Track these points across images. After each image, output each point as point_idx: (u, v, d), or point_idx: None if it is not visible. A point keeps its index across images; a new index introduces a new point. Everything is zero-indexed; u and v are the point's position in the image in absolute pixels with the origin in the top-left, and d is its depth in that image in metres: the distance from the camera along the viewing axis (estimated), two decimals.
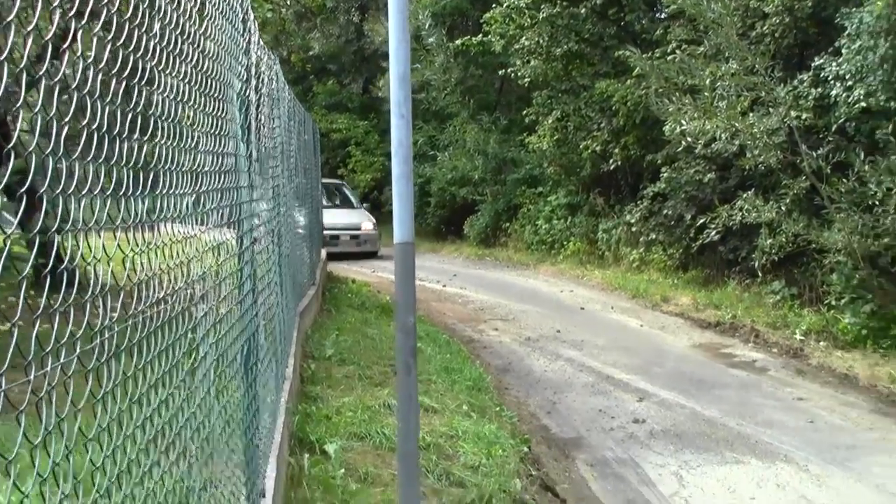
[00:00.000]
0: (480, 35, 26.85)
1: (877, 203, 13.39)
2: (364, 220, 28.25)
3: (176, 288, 3.10)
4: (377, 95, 37.32)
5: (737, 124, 14.95)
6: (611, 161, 22.49)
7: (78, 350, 2.12)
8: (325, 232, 23.69)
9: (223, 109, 4.22)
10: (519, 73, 24.13)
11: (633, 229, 21.47)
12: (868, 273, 13.76)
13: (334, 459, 6.49)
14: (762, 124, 14.73)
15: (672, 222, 20.01)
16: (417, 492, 4.41)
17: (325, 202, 27.29)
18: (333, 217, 26.41)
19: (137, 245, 2.65)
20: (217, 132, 4.04)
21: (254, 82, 5.71)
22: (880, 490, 8.20)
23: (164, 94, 3.10)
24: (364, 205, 30.71)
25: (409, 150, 4.45)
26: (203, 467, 3.49)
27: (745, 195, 15.58)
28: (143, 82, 2.78)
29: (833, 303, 14.46)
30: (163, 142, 3.07)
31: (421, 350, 11.84)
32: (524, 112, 25.95)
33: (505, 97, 31.62)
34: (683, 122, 15.83)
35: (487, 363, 13.08)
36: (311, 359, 10.41)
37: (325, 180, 30.18)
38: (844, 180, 13.85)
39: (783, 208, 14.87)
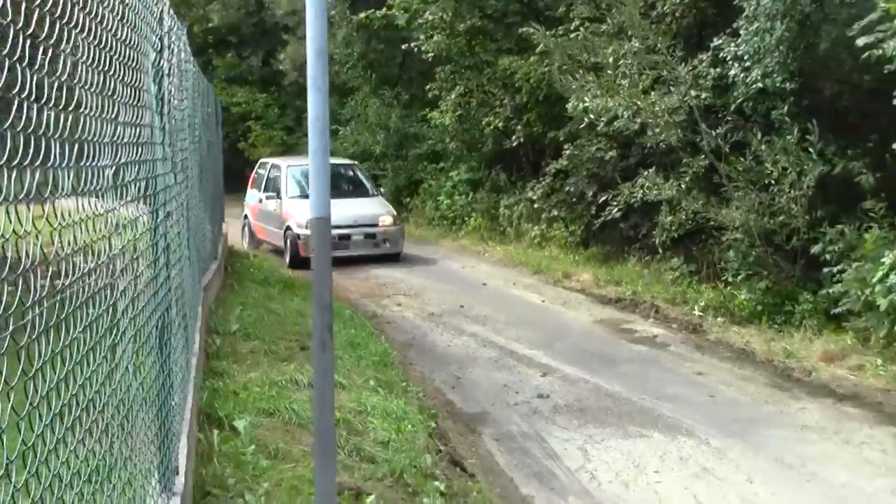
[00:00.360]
0: (384, 8, 26.69)
1: (773, 182, 13.73)
2: (382, 213, 21.08)
3: (99, 262, 3.03)
4: (277, 69, 36.83)
5: (638, 102, 15.14)
6: (513, 137, 22.58)
7: (11, 327, 2.05)
8: (332, 232, 19.25)
9: (139, 79, 4.13)
10: (422, 48, 24.06)
11: (535, 206, 21.59)
12: (763, 250, 14.08)
13: (244, 436, 6.43)
14: (663, 103, 14.94)
15: (574, 199, 20.20)
16: (334, 468, 4.39)
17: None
18: (342, 210, 18.90)
19: (64, 219, 2.58)
20: (134, 103, 3.95)
21: (166, 52, 5.60)
22: (778, 462, 8.43)
23: (82, 61, 3.01)
24: (382, 191, 23.89)
25: (325, 124, 4.40)
26: (123, 445, 3.43)
27: (646, 173, 15.80)
28: (68, 50, 2.70)
29: (730, 279, 14.77)
30: (81, 111, 2.98)
31: None
32: (427, 87, 25.90)
33: (407, 72, 31.48)
34: (586, 99, 15.99)
35: (391, 338, 13.08)
36: (216, 334, 10.29)
37: (331, 161, 25.69)
38: (742, 159, 14.18)
39: (683, 186, 15.12)
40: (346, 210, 19.43)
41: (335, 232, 17.46)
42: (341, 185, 22.24)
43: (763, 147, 13.71)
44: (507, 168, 24.72)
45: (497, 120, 23.03)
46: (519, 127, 22.31)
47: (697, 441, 8.91)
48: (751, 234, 14.07)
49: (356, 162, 25.12)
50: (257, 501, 5.37)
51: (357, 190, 22.53)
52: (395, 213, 21.53)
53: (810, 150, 13.22)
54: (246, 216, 23.66)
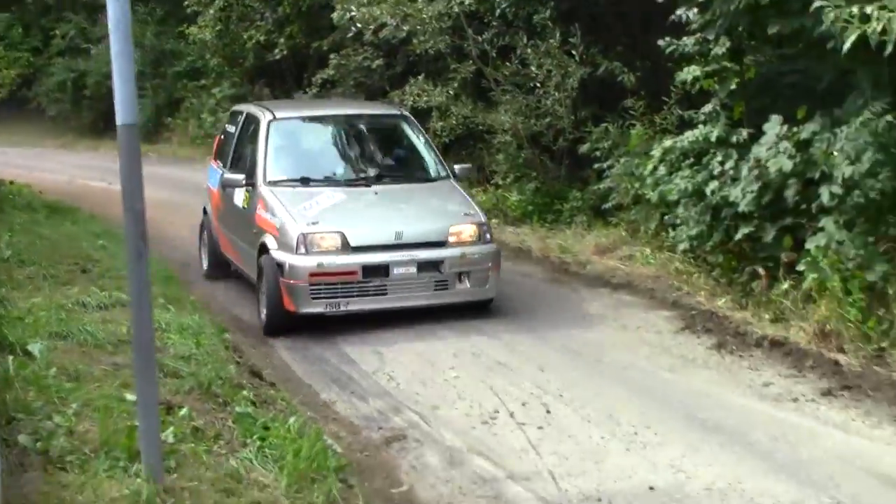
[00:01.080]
0: None
1: (538, 85, 14.13)
2: (456, 219, 10.14)
3: None
4: None
5: (405, 9, 15.17)
6: (276, 51, 22.26)
7: None
8: (351, 261, 9.43)
9: None
10: None
11: None
12: (531, 152, 14.57)
13: (40, 360, 6.22)
14: (430, 10, 15.01)
15: None
16: (155, 380, 4.34)
17: (345, 173, 10.95)
18: (373, 211, 10.18)
19: None
20: None
21: None
22: (565, 350, 8.85)
23: None
24: (460, 168, 11.44)
25: (128, 27, 4.27)
26: None
27: (414, 80, 15.88)
28: None
29: (500, 182, 15.22)
30: None
31: (104, 247, 11.49)
32: (184, 3, 25.04)
33: None
34: (353, 8, 15.90)
35: (169, 258, 12.79)
36: None
37: (353, 110, 12.81)
38: (508, 64, 14.49)
39: (452, 92, 15.30)
40: (381, 212, 10.21)
41: (359, 260, 9.54)
42: (375, 157, 11.44)
43: (528, 51, 14.05)
44: (271, 82, 24.40)
45: (259, 34, 22.63)
46: (282, 40, 21.99)
47: (488, 337, 9.19)
48: (519, 137, 14.52)
49: (406, 112, 12.59)
50: (68, 422, 5.24)
51: (407, 169, 11.40)
52: (482, 217, 10.48)
53: (573, 52, 13.66)
54: (205, 211, 12.64)
